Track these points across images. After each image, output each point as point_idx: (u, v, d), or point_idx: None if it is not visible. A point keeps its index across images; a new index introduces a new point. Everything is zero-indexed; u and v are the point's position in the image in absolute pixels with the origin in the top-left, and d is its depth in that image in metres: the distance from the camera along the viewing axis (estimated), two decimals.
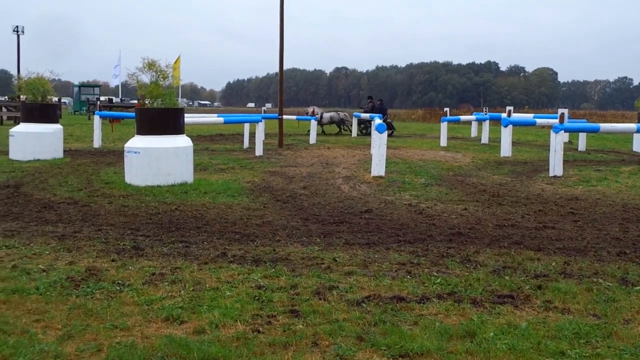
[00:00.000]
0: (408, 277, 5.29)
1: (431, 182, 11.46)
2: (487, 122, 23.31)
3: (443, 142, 21.10)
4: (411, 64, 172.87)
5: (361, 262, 5.75)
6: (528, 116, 25.74)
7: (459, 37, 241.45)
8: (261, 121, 18.23)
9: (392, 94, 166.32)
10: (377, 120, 13.89)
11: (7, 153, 14.93)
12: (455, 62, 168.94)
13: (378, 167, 11.97)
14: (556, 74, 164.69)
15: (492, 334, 3.97)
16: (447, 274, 5.37)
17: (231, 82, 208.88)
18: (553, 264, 5.75)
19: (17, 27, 50.17)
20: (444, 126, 21.41)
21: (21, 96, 23.45)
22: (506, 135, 17.07)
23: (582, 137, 19.72)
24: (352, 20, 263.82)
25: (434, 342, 3.82)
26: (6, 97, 62.69)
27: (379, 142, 12.01)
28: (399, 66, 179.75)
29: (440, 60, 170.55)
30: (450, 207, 8.94)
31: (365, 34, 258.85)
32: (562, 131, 12.77)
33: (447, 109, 31.74)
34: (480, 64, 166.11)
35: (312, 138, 22.49)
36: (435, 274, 5.38)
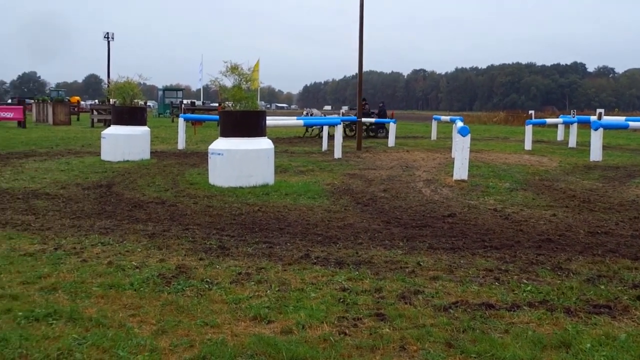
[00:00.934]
0: (496, 283, 5.15)
1: (516, 187, 11.12)
2: (575, 125, 22.43)
3: (528, 145, 20.45)
4: (492, 65, 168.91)
5: (446, 267, 5.64)
6: (620, 119, 24.60)
7: (542, 37, 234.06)
8: (340, 124, 18.29)
9: (472, 96, 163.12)
10: (460, 123, 13.63)
11: (99, 154, 15.63)
12: (539, 63, 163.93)
13: (460, 171, 11.74)
14: None
15: (588, 345, 3.79)
16: (537, 282, 5.18)
17: (308, 85, 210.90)
18: None
19: (107, 33, 52.57)
20: (528, 129, 20.75)
21: (111, 100, 24.56)
22: (596, 138, 16.36)
23: None
24: (429, 21, 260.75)
25: (527, 352, 3.69)
26: (97, 100, 65.92)
27: (461, 145, 11.77)
28: (480, 67, 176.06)
29: (523, 62, 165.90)
30: (538, 212, 8.64)
31: (443, 36, 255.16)
32: None
33: (532, 112, 30.78)
34: (566, 64, 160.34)
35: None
36: (525, 281, 5.20)
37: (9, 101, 56.28)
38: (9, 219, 7.61)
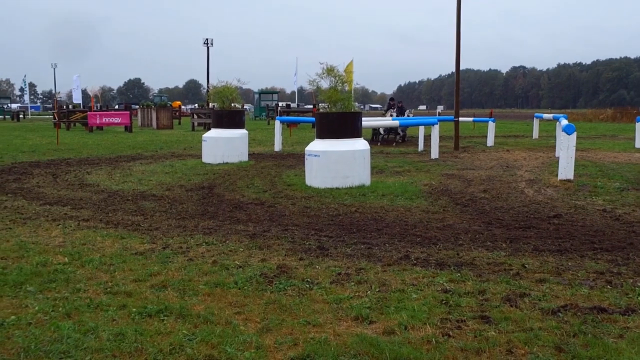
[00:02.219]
0: (608, 287, 4.88)
1: (627, 187, 10.51)
2: None
3: (638, 143, 19.30)
4: (597, 60, 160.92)
5: (553, 270, 5.41)
6: None
7: None
8: (437, 123, 18.00)
9: (576, 92, 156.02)
10: (564, 121, 13.06)
11: (200, 157, 16.21)
12: None
13: (566, 170, 11.23)
14: None
15: None
16: None
17: (402, 84, 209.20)
18: None
19: (207, 39, 54.42)
20: (639, 126, 19.58)
21: (210, 103, 25.38)
22: None
23: None
24: (529, 16, 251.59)
25: None
26: (197, 104, 68.43)
27: (567, 143, 11.27)
28: (584, 63, 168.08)
29: (632, 56, 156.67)
30: None
31: (544, 30, 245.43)
32: None
33: None
34: None
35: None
36: (639, 284, 4.90)
37: (117, 107, 59.56)
38: (120, 220, 8.04)
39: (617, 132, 29.37)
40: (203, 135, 16.42)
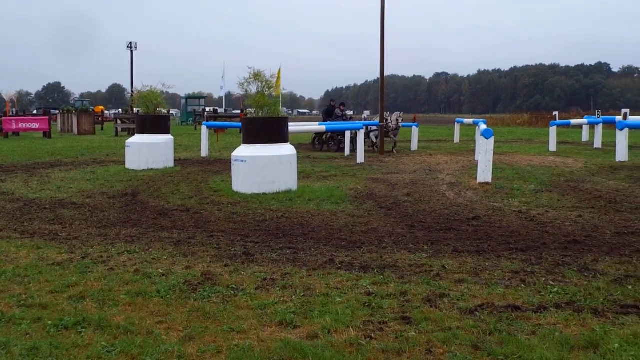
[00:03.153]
0: (522, 285, 5.11)
1: (541, 189, 11.02)
2: (600, 125, 22.13)
3: (552, 146, 20.24)
4: (515, 67, 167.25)
5: (472, 270, 5.61)
6: None
7: (565, 38, 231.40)
8: (362, 128, 18.27)
9: (495, 98, 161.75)
10: (483, 126, 13.55)
11: (123, 163, 15.82)
12: (562, 64, 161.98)
13: (484, 173, 11.66)
14: None
15: (617, 345, 3.75)
16: (564, 283, 5.13)
17: (329, 90, 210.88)
18: None
19: (130, 43, 53.24)
20: (553, 130, 20.55)
21: (135, 109, 24.83)
22: (622, 138, 16.13)
23: None
24: (451, 25, 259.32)
25: (554, 353, 3.66)
26: (120, 109, 66.71)
27: (485, 147, 11.70)
28: (502, 69, 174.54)
29: (547, 63, 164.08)
30: (564, 214, 8.55)
31: (466, 39, 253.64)
32: None
33: (556, 113, 30.44)
34: (590, 65, 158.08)
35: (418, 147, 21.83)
36: (551, 282, 5.16)
37: (35, 112, 57.23)
38: (37, 229, 7.74)
39: (533, 136, 30.67)
40: (127, 141, 16.05)
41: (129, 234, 7.45)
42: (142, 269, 5.73)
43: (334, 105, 23.29)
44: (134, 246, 6.71)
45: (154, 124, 15.97)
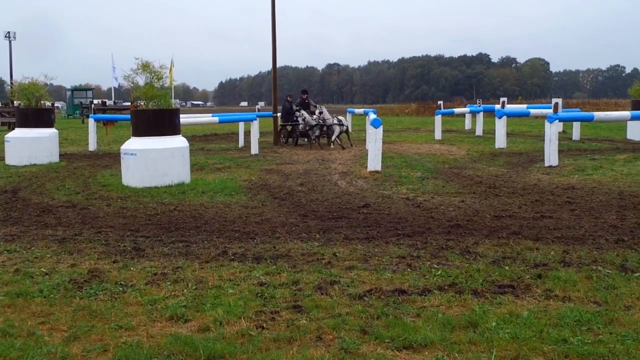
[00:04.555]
0: (408, 270, 5.33)
1: (427, 176, 11.50)
2: (481, 114, 23.37)
3: (438, 135, 21.15)
4: (403, 58, 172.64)
5: (361, 257, 5.79)
6: (522, 107, 25.83)
7: (448, 30, 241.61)
8: (256, 119, 18.24)
9: (385, 88, 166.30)
10: (372, 115, 13.92)
11: (3, 159, 14.91)
12: (447, 55, 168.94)
13: (374, 162, 12.00)
14: (548, 64, 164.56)
15: (494, 323, 4.00)
16: (447, 266, 5.41)
17: (223, 81, 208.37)
18: (552, 253, 5.79)
19: (8, 32, 50.00)
20: (438, 119, 21.46)
21: (15, 102, 23.39)
22: (500, 126, 17.13)
23: (576, 126, 19.81)
24: (337, 17, 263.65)
25: (437, 333, 3.85)
26: None
27: (374, 137, 12.04)
28: (391, 61, 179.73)
29: (432, 54, 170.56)
30: (448, 199, 8.98)
31: (353, 30, 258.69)
32: (557, 121, 12.82)
33: (440, 102, 31.70)
34: (472, 56, 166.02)
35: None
36: (435, 266, 5.41)
37: None
38: None
39: (420, 125, 31.82)
40: (6, 135, 15.16)
41: (8, 232, 7.05)
42: (23, 268, 5.45)
43: (290, 101, 20.29)
44: (14, 245, 6.36)
45: (37, 117, 15.19)
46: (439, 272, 5.20)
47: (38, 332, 3.95)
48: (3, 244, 6.41)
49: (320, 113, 18.43)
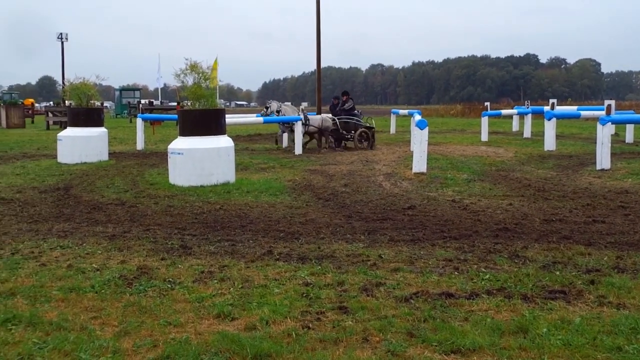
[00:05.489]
0: (455, 273, 5.26)
1: (474, 178, 11.34)
2: (530, 115, 22.92)
3: (484, 137, 20.83)
4: (448, 58, 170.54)
5: (407, 259, 5.74)
6: (572, 109, 25.20)
7: (494, 30, 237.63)
8: (300, 120, 18.29)
9: (430, 89, 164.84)
10: (418, 117, 13.81)
11: (55, 157, 15.33)
12: (493, 56, 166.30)
13: (419, 164, 11.90)
14: (599, 64, 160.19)
15: (545, 329, 3.91)
16: (495, 270, 5.32)
17: (267, 82, 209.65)
18: (605, 258, 5.63)
19: (60, 34, 51.41)
20: (484, 121, 21.14)
21: (67, 101, 24.04)
22: (550, 128, 16.76)
23: (630, 128, 19.25)
24: (380, 17, 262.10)
25: (485, 338, 3.79)
26: (51, 102, 64.33)
27: (419, 138, 11.94)
28: (436, 61, 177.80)
29: (478, 54, 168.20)
30: (495, 202, 8.84)
31: (400, 30, 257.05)
32: (609, 123, 12.48)
33: (487, 104, 31.22)
34: (520, 56, 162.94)
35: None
36: (483, 269, 5.33)
37: None
38: None
39: (465, 126, 31.41)
40: (58, 134, 15.57)
41: (61, 228, 7.24)
42: (75, 264, 5.59)
43: (337, 103, 19.77)
44: (66, 241, 6.53)
45: (87, 116, 15.56)
46: (487, 276, 5.12)
47: (90, 326, 4.05)
48: (57, 240, 6.59)
49: (279, 112, 17.87)
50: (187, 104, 12.04)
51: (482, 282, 4.97)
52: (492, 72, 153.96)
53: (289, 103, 21.76)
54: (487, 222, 7.39)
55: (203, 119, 10.98)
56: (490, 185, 10.52)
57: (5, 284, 4.99)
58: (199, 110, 11.19)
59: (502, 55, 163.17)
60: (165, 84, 46.78)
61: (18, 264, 5.62)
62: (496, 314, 4.26)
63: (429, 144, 13.41)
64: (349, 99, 19.29)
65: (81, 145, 14.96)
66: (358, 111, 19.16)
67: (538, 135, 20.74)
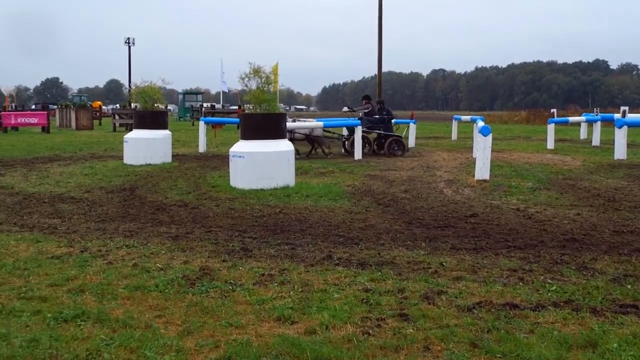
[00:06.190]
0: (520, 283, 5.11)
1: (539, 186, 11.02)
2: (599, 123, 22.15)
3: (550, 144, 20.25)
4: (512, 64, 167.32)
5: (469, 268, 5.62)
6: None
7: (563, 35, 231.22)
8: (360, 125, 18.25)
9: (493, 95, 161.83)
10: (481, 123, 13.56)
11: (121, 158, 15.81)
12: (560, 61, 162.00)
13: (482, 171, 11.67)
14: None
15: (615, 344, 3.75)
16: (562, 282, 5.14)
17: (327, 86, 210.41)
18: None
19: (128, 38, 53.11)
20: (550, 128, 20.55)
21: (132, 104, 24.80)
22: (620, 136, 16.15)
23: None
24: (444, 22, 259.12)
25: (552, 352, 3.66)
26: (118, 104, 66.63)
27: (483, 144, 11.71)
28: (500, 67, 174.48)
29: (544, 60, 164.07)
30: (562, 212, 8.56)
31: (463, 35, 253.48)
32: None
33: (554, 110, 30.45)
34: (588, 62, 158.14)
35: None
36: (549, 281, 5.16)
37: (33, 107, 57.21)
38: (36, 223, 7.74)
39: (530, 133, 30.67)
40: (124, 136, 16.05)
41: (127, 228, 7.44)
42: (140, 263, 5.74)
43: (369, 102, 19.36)
44: (132, 240, 6.71)
45: (152, 119, 15.96)
46: (554, 288, 4.95)
47: (155, 324, 4.14)
48: (123, 239, 6.78)
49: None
50: (248, 108, 12.19)
51: (549, 294, 4.82)
52: (558, 78, 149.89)
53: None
54: (554, 232, 7.16)
55: (264, 123, 11.10)
56: (556, 194, 10.20)
57: (75, 281, 5.17)
58: (260, 114, 11.32)
59: (570, 61, 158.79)
60: (228, 89, 47.56)
61: (86, 261, 5.81)
62: (563, 327, 4.12)
63: (493, 150, 13.13)
64: (367, 103, 19.06)
65: (146, 147, 15.36)
66: (384, 115, 18.69)
67: (607, 143, 20.03)
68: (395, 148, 17.93)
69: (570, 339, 3.85)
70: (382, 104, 19.85)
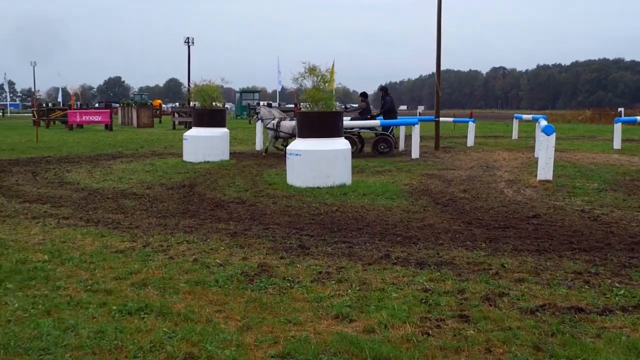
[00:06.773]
0: (586, 287, 4.95)
1: (605, 187, 10.64)
2: None
3: (617, 144, 19.51)
4: (577, 61, 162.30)
5: (532, 270, 5.47)
6: None
7: (629, 32, 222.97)
8: (417, 123, 18.07)
9: (555, 93, 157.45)
10: (544, 122, 13.20)
11: (181, 155, 16.14)
12: (627, 59, 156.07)
13: (545, 171, 11.35)
14: None
15: None
16: (631, 286, 4.95)
17: (383, 84, 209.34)
18: None
19: (187, 38, 54.07)
20: (617, 127, 19.79)
21: (192, 102, 25.30)
22: None
23: None
24: (505, 19, 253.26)
25: (620, 357, 3.54)
26: (177, 103, 68.15)
27: (546, 144, 11.40)
28: (563, 64, 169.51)
29: (611, 57, 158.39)
30: (630, 214, 8.24)
31: (521, 33, 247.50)
32: None
33: (621, 109, 29.36)
34: None
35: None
36: (617, 284, 4.98)
37: (97, 105, 59.17)
38: (101, 218, 7.98)
39: (595, 133, 29.69)
40: (184, 134, 16.36)
41: (187, 224, 7.59)
42: (200, 258, 5.84)
43: (365, 100, 18.98)
44: (192, 236, 6.83)
45: (211, 117, 16.22)
46: (622, 292, 4.77)
47: (215, 319, 4.20)
48: (183, 235, 6.91)
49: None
50: (305, 106, 12.24)
51: (616, 298, 4.64)
52: (625, 76, 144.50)
53: (276, 105, 22.18)
54: (621, 235, 6.90)
55: (321, 122, 11.11)
56: (624, 195, 9.82)
57: (138, 275, 5.30)
58: (316, 112, 11.34)
59: (638, 59, 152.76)
60: (283, 87, 47.89)
61: (149, 256, 5.95)
62: (632, 332, 3.96)
63: (556, 150, 12.76)
64: (363, 101, 18.84)
65: (205, 144, 15.62)
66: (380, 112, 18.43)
67: None
68: (383, 147, 17.71)
69: (639, 345, 3.70)
70: (385, 90, 19.25)
